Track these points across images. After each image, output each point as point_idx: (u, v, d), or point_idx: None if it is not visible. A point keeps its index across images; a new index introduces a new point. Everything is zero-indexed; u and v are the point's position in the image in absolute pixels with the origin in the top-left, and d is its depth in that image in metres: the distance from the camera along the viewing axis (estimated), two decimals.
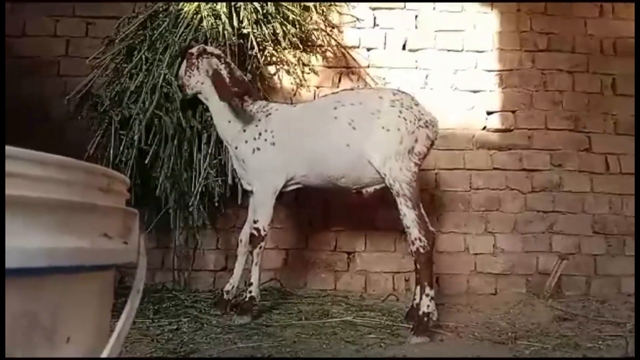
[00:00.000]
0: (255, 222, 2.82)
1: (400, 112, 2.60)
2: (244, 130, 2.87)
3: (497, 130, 3.90)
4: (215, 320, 2.66)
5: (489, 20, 3.98)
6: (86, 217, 0.60)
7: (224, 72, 2.91)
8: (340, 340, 2.34)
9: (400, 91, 2.77)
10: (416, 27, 3.94)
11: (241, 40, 3.37)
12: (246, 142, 2.84)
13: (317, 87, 3.83)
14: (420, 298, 2.48)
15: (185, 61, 3.04)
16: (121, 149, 3.11)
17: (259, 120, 2.87)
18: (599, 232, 3.87)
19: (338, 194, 3.02)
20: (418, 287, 2.77)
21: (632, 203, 3.91)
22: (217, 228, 3.63)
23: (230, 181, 3.26)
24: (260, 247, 2.79)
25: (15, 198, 0.54)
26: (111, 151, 3.09)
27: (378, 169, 2.60)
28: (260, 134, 2.82)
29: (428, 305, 2.45)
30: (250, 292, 2.77)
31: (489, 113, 3.90)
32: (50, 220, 0.57)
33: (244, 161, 2.86)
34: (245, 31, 3.39)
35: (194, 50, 3.00)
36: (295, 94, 3.79)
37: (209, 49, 3.01)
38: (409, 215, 2.51)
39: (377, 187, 2.76)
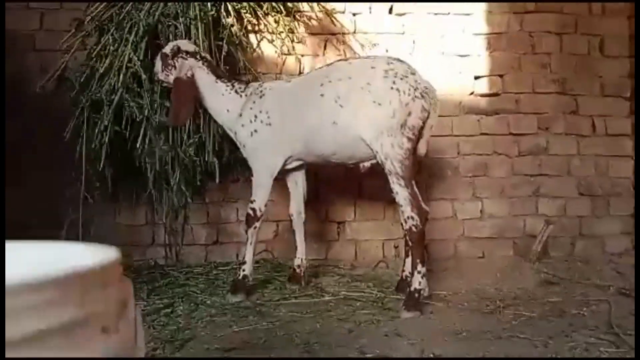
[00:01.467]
0: (252, 202, 2.83)
1: (394, 82, 2.48)
2: (240, 115, 2.84)
3: (484, 95, 3.88)
4: (210, 300, 2.68)
5: None
6: (83, 329, 0.59)
7: (204, 71, 2.88)
8: (334, 318, 2.39)
9: (396, 59, 2.64)
10: None
11: (213, 12, 3.25)
12: (243, 125, 2.82)
13: (302, 56, 3.76)
14: (412, 275, 2.51)
15: (160, 59, 2.93)
16: (96, 133, 3.05)
17: (254, 102, 2.83)
18: (584, 194, 3.94)
19: (328, 166, 3.00)
20: (407, 259, 2.83)
21: (617, 164, 3.96)
22: (206, 202, 3.62)
23: (211, 158, 3.23)
24: (255, 227, 2.81)
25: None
26: (84, 137, 3.02)
27: (370, 145, 2.53)
28: (255, 116, 2.80)
29: (420, 282, 2.47)
30: (243, 270, 2.79)
31: (476, 77, 3.88)
32: (45, 348, 0.55)
33: (244, 145, 2.86)
34: None
35: (167, 50, 2.90)
36: (284, 63, 3.71)
37: (183, 46, 2.90)
38: (401, 194, 2.48)
39: (374, 161, 2.70)
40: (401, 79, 2.50)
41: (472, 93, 3.86)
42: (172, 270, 3.25)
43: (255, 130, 2.79)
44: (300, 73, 3.71)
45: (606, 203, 3.96)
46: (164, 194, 3.27)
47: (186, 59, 2.87)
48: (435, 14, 3.85)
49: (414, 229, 2.48)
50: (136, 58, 3.06)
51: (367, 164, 2.76)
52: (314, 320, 2.36)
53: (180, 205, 3.30)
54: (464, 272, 3.40)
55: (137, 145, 3.11)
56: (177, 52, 2.88)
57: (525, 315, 2.42)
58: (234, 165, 3.53)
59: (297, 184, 3.06)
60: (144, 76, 3.07)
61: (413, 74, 2.56)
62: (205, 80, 2.90)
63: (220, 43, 3.27)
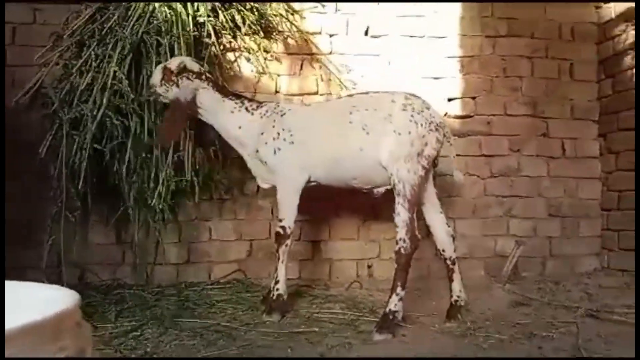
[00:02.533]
0: (280, 220, 2.85)
1: (412, 116, 2.65)
2: (262, 134, 2.88)
3: (457, 117, 3.94)
4: (180, 322, 2.64)
5: (451, 6, 3.96)
6: None
7: (210, 91, 2.91)
8: (305, 342, 2.37)
9: (412, 95, 2.80)
10: (378, 13, 3.89)
11: (196, 32, 3.26)
12: (266, 143, 2.86)
13: (279, 75, 3.77)
14: (390, 296, 2.55)
15: (161, 72, 2.90)
16: (74, 150, 3.00)
17: (274, 120, 2.89)
18: (554, 215, 4.00)
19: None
20: (453, 283, 2.87)
21: (586, 186, 4.05)
22: (178, 220, 3.58)
23: (188, 177, 3.21)
24: (287, 245, 2.83)
25: None
26: (63, 153, 2.98)
27: (386, 168, 2.65)
28: (278, 134, 2.84)
29: (395, 304, 2.53)
30: (277, 289, 2.81)
31: (449, 99, 3.94)
32: None
33: (267, 163, 2.89)
34: (201, 20, 3.28)
35: (173, 66, 2.88)
36: (258, 82, 3.72)
37: (189, 65, 2.91)
38: (402, 216, 2.57)
39: (389, 187, 2.79)
40: (418, 113, 2.68)
41: (445, 114, 3.91)
42: (142, 291, 3.19)
43: (279, 148, 2.84)
44: (276, 92, 3.72)
45: (576, 224, 4.03)
46: (138, 211, 3.22)
47: (192, 81, 2.89)
48: (411, 36, 3.91)
49: (402, 251, 2.56)
50: (122, 75, 3.03)
51: (381, 190, 2.86)
52: (285, 344, 2.34)
53: (159, 221, 3.25)
54: (436, 292, 3.41)
55: (116, 163, 3.07)
56: (182, 70, 2.88)
57: (495, 338, 2.43)
58: (207, 183, 3.50)
59: None
60: (131, 96, 3.04)
61: (428, 108, 2.74)
62: (211, 99, 2.93)
63: (201, 62, 3.26)
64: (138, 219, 3.25)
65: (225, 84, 3.48)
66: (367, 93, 2.94)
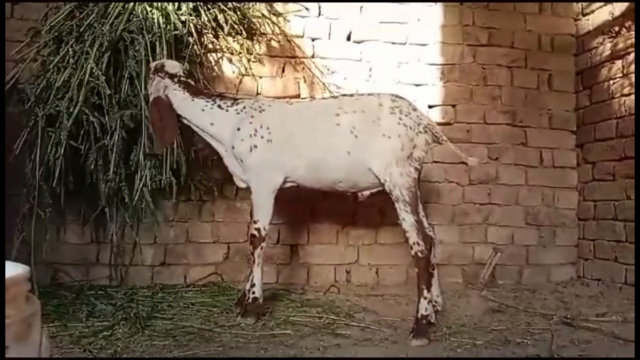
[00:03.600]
0: (255, 222, 2.80)
1: (400, 119, 2.62)
2: (239, 129, 2.82)
3: (437, 124, 3.92)
4: (152, 323, 2.59)
5: (433, 14, 4.00)
6: None
7: (179, 91, 2.88)
8: (279, 344, 2.34)
9: (399, 97, 2.78)
10: (361, 18, 3.91)
11: (177, 31, 3.23)
12: (242, 140, 2.80)
13: (261, 77, 3.75)
14: (418, 301, 2.53)
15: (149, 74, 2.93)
16: (49, 147, 2.94)
17: (252, 117, 2.83)
18: (531, 224, 4.04)
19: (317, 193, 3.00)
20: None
21: (563, 195, 4.10)
22: (157, 222, 3.52)
23: (166, 177, 3.17)
24: (262, 248, 2.79)
25: None
26: (38, 151, 2.92)
27: (378, 175, 2.62)
28: (256, 131, 2.79)
29: (426, 308, 2.51)
30: (253, 292, 2.76)
31: (430, 107, 3.96)
32: None
33: (242, 160, 2.83)
34: (183, 18, 3.26)
35: (152, 64, 2.92)
36: (240, 83, 3.70)
37: (168, 66, 2.91)
38: (408, 220, 2.54)
39: (373, 190, 2.80)
40: (406, 115, 2.65)
41: None
42: (115, 292, 3.13)
43: (255, 146, 2.77)
44: (258, 94, 3.70)
45: (552, 233, 4.07)
46: (115, 210, 3.16)
47: (162, 79, 2.87)
48: (393, 43, 3.93)
49: (420, 254, 2.53)
50: (100, 72, 2.99)
51: (366, 193, 2.84)
52: (258, 346, 2.31)
53: (134, 223, 3.21)
54: (414, 298, 3.40)
55: (92, 161, 3.02)
56: (159, 69, 2.88)
57: (470, 343, 2.43)
58: (187, 184, 3.46)
59: None
60: (108, 91, 3.00)
61: (415, 110, 2.72)
62: (180, 99, 2.90)
63: (182, 62, 3.23)
64: (115, 219, 3.20)
65: (207, 84, 3.47)
66: (352, 95, 2.94)
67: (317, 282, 3.72)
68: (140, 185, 3.11)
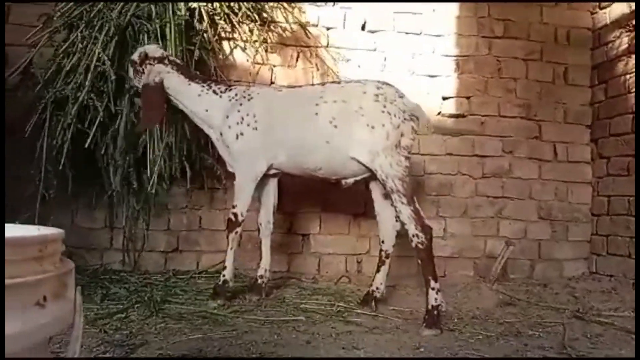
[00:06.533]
0: (233, 206, 2.82)
1: (385, 106, 2.58)
2: (227, 117, 2.83)
3: (451, 116, 3.94)
4: (166, 307, 2.61)
5: (448, 5, 3.97)
6: (15, 297, 0.56)
7: (174, 74, 2.88)
8: (292, 330, 2.36)
9: (385, 83, 2.74)
10: (375, 8, 3.89)
11: (188, 16, 3.22)
12: (230, 127, 2.81)
13: (274, 66, 3.76)
14: (427, 292, 2.50)
15: (131, 66, 2.93)
16: (58, 131, 2.97)
17: (241, 104, 2.84)
18: (544, 218, 4.02)
19: (300, 178, 2.99)
20: (378, 274, 2.88)
21: (577, 190, 4.06)
22: (168, 208, 3.55)
23: (177, 163, 3.18)
24: (237, 232, 2.81)
25: None
26: (46, 134, 2.95)
27: (367, 166, 2.59)
28: (242, 119, 2.80)
29: (435, 299, 2.48)
30: (224, 275, 2.79)
31: (444, 98, 3.94)
32: None
33: (228, 147, 2.84)
34: (194, 5, 3.26)
35: (135, 57, 2.91)
36: (257, 72, 3.70)
37: (151, 52, 2.90)
38: (404, 212, 2.51)
39: (358, 178, 2.77)
40: (391, 102, 2.60)
41: (439, 113, 3.92)
42: (129, 277, 3.16)
43: (242, 133, 2.79)
44: (272, 83, 3.71)
45: (565, 228, 4.05)
46: (125, 198, 3.19)
47: (153, 65, 2.87)
48: (407, 33, 3.91)
49: (420, 246, 2.50)
50: (106, 57, 3.00)
51: (350, 181, 2.81)
52: (271, 331, 2.32)
53: (143, 209, 3.23)
54: (424, 289, 3.40)
55: (101, 145, 3.05)
56: (144, 58, 2.88)
57: (482, 334, 2.43)
58: (199, 172, 3.48)
59: (269, 193, 3.02)
60: (112, 76, 3.01)
61: (401, 97, 2.67)
62: (177, 83, 2.90)
63: (192, 48, 3.24)
64: (127, 204, 3.22)
65: (221, 72, 3.47)
66: (339, 82, 2.90)
67: (328, 272, 3.73)
68: (154, 173, 3.11)
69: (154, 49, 2.93)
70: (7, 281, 0.56)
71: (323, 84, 3.01)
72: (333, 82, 2.96)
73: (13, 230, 0.73)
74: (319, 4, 3.80)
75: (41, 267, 0.62)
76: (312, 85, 3.11)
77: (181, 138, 3.24)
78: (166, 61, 2.90)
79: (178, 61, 2.99)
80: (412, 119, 2.63)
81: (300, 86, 3.29)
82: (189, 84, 2.91)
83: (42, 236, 0.64)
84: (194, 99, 2.91)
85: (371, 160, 2.57)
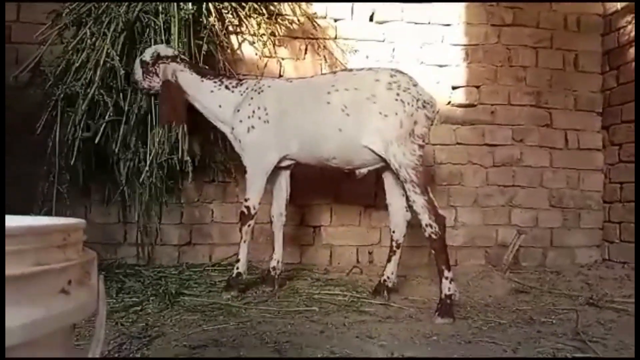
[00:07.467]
0: (245, 200, 2.84)
1: (398, 94, 2.56)
2: (238, 110, 2.85)
3: (461, 105, 3.93)
4: (181, 299, 2.65)
5: None
6: (40, 283, 0.58)
7: (187, 72, 2.91)
8: (305, 320, 2.38)
9: (398, 71, 2.71)
10: None
11: (194, 11, 3.22)
12: (241, 121, 2.83)
13: (283, 59, 3.76)
14: (440, 281, 2.51)
15: (140, 67, 2.95)
16: (68, 127, 3.01)
17: (251, 98, 2.85)
18: (556, 206, 4.00)
19: (308, 170, 3.01)
20: (389, 264, 2.89)
21: (588, 178, 4.05)
22: (181, 202, 3.58)
23: (184, 157, 3.20)
24: (249, 225, 2.84)
25: None
26: (57, 130, 2.99)
27: (380, 154, 2.59)
28: (254, 112, 2.81)
29: (449, 288, 2.49)
30: (237, 268, 2.82)
31: (454, 88, 3.93)
32: None
33: (240, 140, 2.86)
34: None
35: (147, 57, 2.93)
36: (266, 65, 3.70)
37: (163, 52, 2.93)
38: (418, 202, 2.50)
39: (371, 168, 2.77)
40: (404, 90, 2.58)
41: (449, 103, 3.91)
42: (144, 270, 3.20)
43: (253, 127, 2.80)
44: (280, 76, 3.72)
45: (577, 216, 4.03)
46: (136, 192, 3.22)
47: (168, 64, 2.89)
48: (415, 23, 3.90)
49: (433, 236, 2.49)
50: (114, 53, 3.03)
51: (364, 171, 2.80)
52: (285, 321, 2.34)
53: (152, 203, 3.26)
54: (436, 278, 3.41)
55: (111, 141, 3.08)
56: (157, 58, 2.91)
57: (495, 322, 2.44)
58: (209, 165, 3.51)
59: (281, 185, 3.04)
60: (121, 72, 3.04)
61: (415, 85, 2.65)
62: (190, 81, 2.93)
63: (200, 42, 3.26)
64: (139, 199, 3.25)
65: (229, 66, 3.49)
66: (350, 70, 2.89)
67: (339, 263, 3.75)
68: (150, 164, 3.13)
69: (164, 48, 2.96)
70: (33, 268, 0.58)
71: (335, 72, 3.01)
72: (345, 70, 2.93)
73: (37, 220, 0.76)
74: None
75: (65, 255, 0.64)
76: (324, 74, 3.09)
77: (190, 133, 3.25)
78: (179, 59, 2.93)
79: (188, 59, 3.03)
80: (426, 107, 2.60)
81: (311, 76, 3.29)
82: (202, 81, 2.94)
83: (66, 225, 0.66)
84: (207, 95, 2.94)
85: (384, 149, 2.56)
